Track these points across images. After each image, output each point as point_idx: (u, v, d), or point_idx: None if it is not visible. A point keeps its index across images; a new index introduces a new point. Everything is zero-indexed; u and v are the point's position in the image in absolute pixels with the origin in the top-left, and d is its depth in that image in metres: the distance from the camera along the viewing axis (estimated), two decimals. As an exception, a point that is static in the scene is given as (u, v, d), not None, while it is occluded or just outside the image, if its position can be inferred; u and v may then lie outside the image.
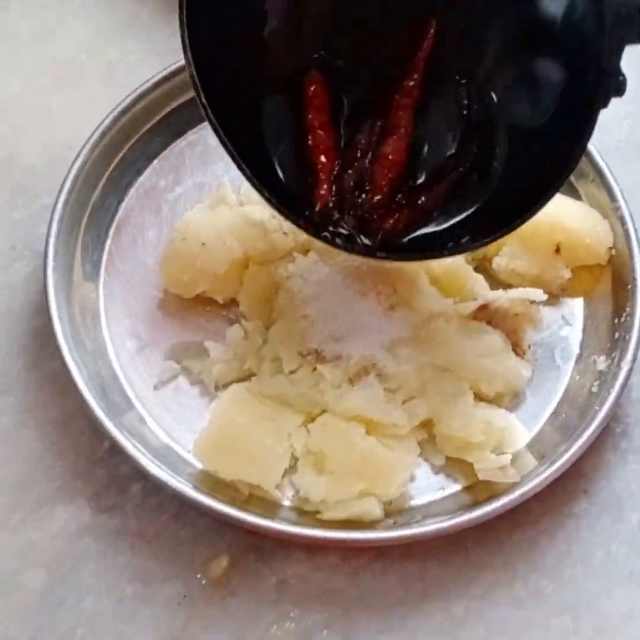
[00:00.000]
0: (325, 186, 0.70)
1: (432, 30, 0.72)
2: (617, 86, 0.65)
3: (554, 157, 0.68)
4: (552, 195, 0.67)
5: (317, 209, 0.69)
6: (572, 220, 0.81)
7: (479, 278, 0.81)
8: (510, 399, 0.78)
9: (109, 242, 0.84)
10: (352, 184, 0.70)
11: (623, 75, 0.64)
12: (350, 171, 0.70)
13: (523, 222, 0.67)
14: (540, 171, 0.68)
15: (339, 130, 0.72)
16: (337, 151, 0.71)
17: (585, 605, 0.74)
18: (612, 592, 0.74)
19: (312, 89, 0.71)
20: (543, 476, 0.72)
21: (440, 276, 0.80)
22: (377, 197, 0.70)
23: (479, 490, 0.75)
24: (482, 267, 0.82)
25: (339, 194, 0.70)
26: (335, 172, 0.71)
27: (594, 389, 0.77)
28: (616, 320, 0.79)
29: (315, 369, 0.75)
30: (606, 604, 0.74)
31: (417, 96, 0.72)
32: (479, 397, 0.77)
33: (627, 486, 0.77)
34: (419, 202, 0.70)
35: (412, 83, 0.72)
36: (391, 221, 0.69)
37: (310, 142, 0.71)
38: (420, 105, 0.72)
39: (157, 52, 0.96)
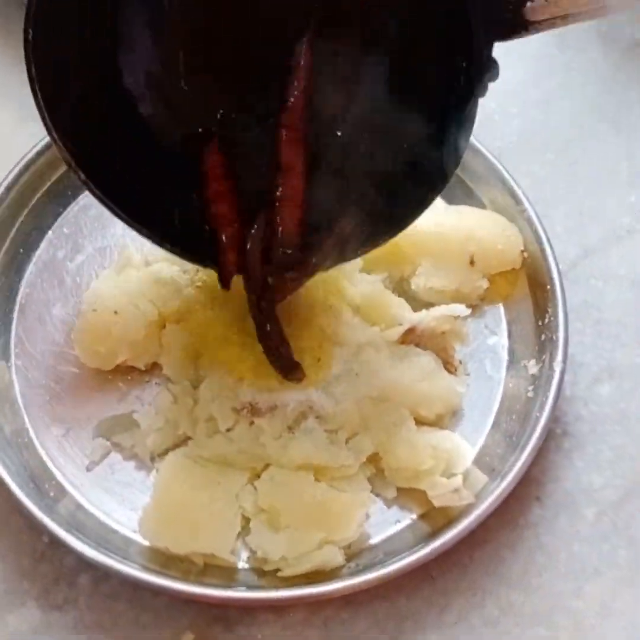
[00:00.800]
0: (230, 257, 0.68)
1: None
2: (492, 73, 0.65)
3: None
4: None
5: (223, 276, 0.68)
6: (481, 229, 0.82)
7: (400, 301, 0.80)
8: (450, 418, 0.78)
9: (14, 324, 0.81)
10: (260, 249, 0.69)
11: (496, 61, 0.65)
12: (255, 228, 0.69)
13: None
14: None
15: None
16: (239, 215, 0.70)
17: (558, 610, 0.74)
18: (582, 591, 0.74)
19: (211, 159, 0.69)
20: (497, 492, 0.72)
21: (362, 305, 0.79)
22: (289, 250, 0.68)
23: (434, 516, 0.74)
24: (401, 290, 0.82)
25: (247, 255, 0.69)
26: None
27: (530, 394, 0.77)
28: (540, 322, 0.80)
29: (252, 422, 0.74)
30: (579, 604, 0.74)
31: (303, 130, 0.70)
32: (420, 422, 0.76)
33: (577, 484, 0.78)
34: (313, 261, 0.70)
35: (296, 116, 0.70)
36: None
37: (213, 211, 0.69)
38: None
39: (33, 118, 0.92)
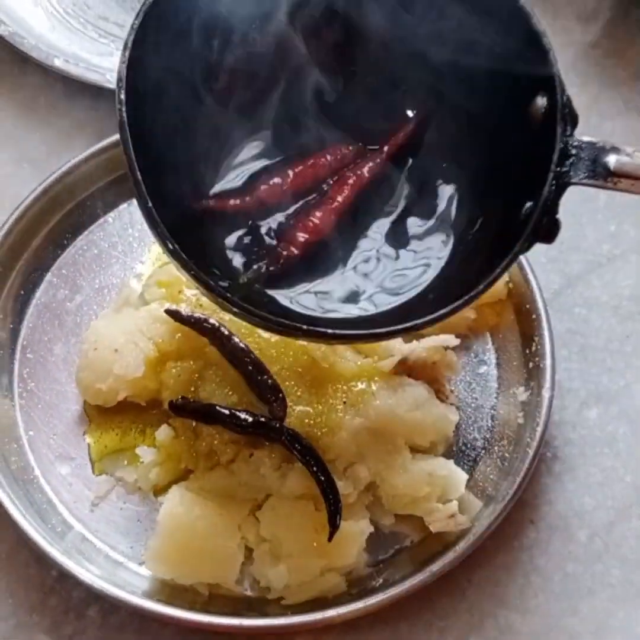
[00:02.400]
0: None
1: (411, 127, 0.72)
2: (549, 231, 0.62)
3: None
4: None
5: None
6: (467, 262, 0.84)
7: (392, 333, 0.82)
8: (444, 446, 0.80)
9: (17, 364, 0.82)
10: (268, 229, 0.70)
11: (558, 220, 0.62)
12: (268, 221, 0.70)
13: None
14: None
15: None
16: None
17: (555, 629, 0.76)
18: (577, 610, 0.77)
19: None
20: (492, 516, 0.74)
21: (355, 338, 0.81)
22: (286, 252, 0.69)
23: (431, 541, 0.76)
24: (392, 323, 0.84)
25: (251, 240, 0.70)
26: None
27: (520, 420, 0.79)
28: (527, 351, 0.82)
29: (252, 454, 0.75)
30: (574, 623, 0.76)
31: (366, 179, 0.71)
32: (415, 450, 0.78)
33: (569, 507, 0.80)
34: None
35: (367, 166, 0.72)
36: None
37: None
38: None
39: (28, 160, 0.95)
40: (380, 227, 0.71)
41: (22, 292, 0.85)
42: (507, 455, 0.79)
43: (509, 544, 0.78)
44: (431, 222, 0.71)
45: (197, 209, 0.68)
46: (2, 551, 0.76)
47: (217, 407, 0.75)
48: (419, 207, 0.71)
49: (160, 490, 0.77)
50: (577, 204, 0.94)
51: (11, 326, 0.83)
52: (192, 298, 0.82)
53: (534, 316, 0.82)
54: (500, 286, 0.84)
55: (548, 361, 0.80)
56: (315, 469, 0.72)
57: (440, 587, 0.75)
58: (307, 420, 0.76)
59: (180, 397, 0.76)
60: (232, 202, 0.69)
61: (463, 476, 0.77)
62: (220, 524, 0.73)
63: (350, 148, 0.72)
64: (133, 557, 0.75)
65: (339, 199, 0.70)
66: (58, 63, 0.95)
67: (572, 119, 0.61)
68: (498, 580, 0.77)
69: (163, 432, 0.78)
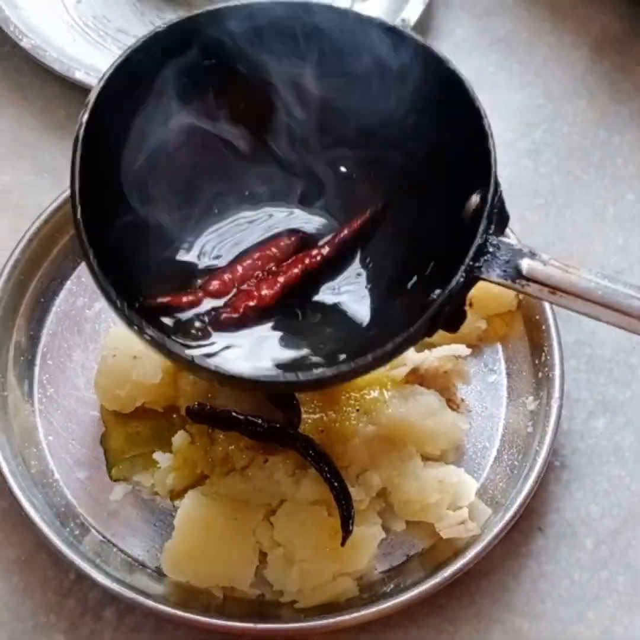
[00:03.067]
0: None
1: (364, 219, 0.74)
2: (453, 320, 0.64)
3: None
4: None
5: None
6: (478, 274, 0.86)
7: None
8: (454, 453, 0.81)
9: (37, 370, 0.84)
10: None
11: (464, 311, 0.65)
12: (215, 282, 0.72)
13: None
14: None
15: None
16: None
17: (562, 636, 0.77)
18: (584, 616, 0.78)
19: None
20: (501, 523, 0.75)
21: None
22: (226, 315, 0.70)
23: (441, 547, 0.77)
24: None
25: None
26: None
27: (530, 429, 0.81)
28: (536, 361, 0.84)
29: (266, 460, 0.77)
30: (581, 629, 0.78)
31: (317, 265, 0.73)
32: (426, 457, 0.79)
33: (576, 515, 0.81)
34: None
35: (320, 253, 0.73)
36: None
37: None
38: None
39: (48, 171, 0.97)
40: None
41: (42, 300, 0.87)
42: (516, 463, 0.80)
43: (517, 550, 0.80)
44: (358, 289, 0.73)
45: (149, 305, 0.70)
46: (21, 554, 0.78)
47: (233, 414, 0.76)
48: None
49: (176, 495, 0.79)
50: (586, 218, 0.96)
51: (31, 333, 0.85)
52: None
53: (543, 327, 0.84)
54: (510, 297, 0.86)
55: (557, 371, 0.81)
56: (328, 475, 0.74)
57: (449, 592, 0.77)
58: (320, 428, 0.78)
59: (196, 403, 0.78)
60: (185, 299, 0.71)
61: (473, 484, 0.79)
62: (235, 528, 0.74)
63: (292, 238, 0.74)
64: (149, 560, 0.77)
65: (284, 276, 0.72)
66: (79, 75, 0.96)
67: (501, 220, 0.63)
68: (506, 587, 0.79)
69: (179, 438, 0.79)
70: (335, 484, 0.74)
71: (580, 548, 0.80)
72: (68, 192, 0.86)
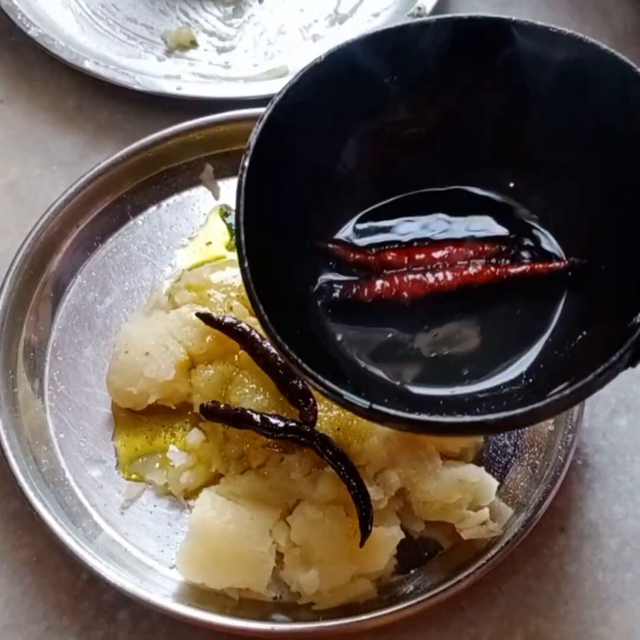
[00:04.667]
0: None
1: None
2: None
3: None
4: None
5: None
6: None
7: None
8: (475, 452, 0.79)
9: (47, 367, 0.83)
10: None
11: None
12: None
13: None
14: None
15: None
16: None
17: (586, 637, 0.76)
18: (608, 618, 0.76)
19: None
20: (523, 523, 0.74)
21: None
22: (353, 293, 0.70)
23: (462, 548, 0.75)
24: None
25: None
26: None
27: (551, 428, 0.79)
28: (557, 357, 0.82)
29: (282, 459, 0.75)
30: (605, 631, 0.76)
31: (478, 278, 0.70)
32: (445, 456, 0.78)
33: (599, 515, 0.80)
34: None
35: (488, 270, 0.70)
36: None
37: None
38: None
39: (58, 162, 0.96)
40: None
41: (52, 295, 0.85)
42: (537, 462, 0.79)
43: (540, 551, 0.78)
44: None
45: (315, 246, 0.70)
46: (32, 554, 0.76)
47: (248, 411, 0.75)
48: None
49: (190, 493, 0.77)
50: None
51: (41, 328, 0.83)
52: (223, 301, 0.82)
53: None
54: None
55: (580, 368, 0.79)
56: (346, 473, 0.72)
57: (470, 594, 0.75)
58: (337, 426, 0.76)
59: (211, 400, 0.76)
60: (353, 255, 0.70)
61: (494, 483, 0.77)
62: (251, 529, 0.73)
63: (489, 248, 0.71)
64: (163, 561, 0.75)
65: (440, 279, 0.69)
66: (88, 65, 0.95)
67: None
68: (528, 588, 0.77)
69: (194, 436, 0.78)
70: (353, 483, 0.72)
71: (604, 549, 0.79)
72: (77, 185, 0.87)
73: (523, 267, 0.70)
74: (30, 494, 0.74)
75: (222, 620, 0.71)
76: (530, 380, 0.66)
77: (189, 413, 0.80)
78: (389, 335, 0.69)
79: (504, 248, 0.71)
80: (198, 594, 0.73)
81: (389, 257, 0.70)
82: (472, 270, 0.70)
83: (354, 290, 0.69)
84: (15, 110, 0.98)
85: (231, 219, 0.90)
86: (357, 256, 0.71)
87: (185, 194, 0.92)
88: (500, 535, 0.74)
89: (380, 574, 0.74)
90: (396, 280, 0.69)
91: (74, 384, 0.82)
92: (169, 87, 0.94)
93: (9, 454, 0.75)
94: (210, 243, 0.89)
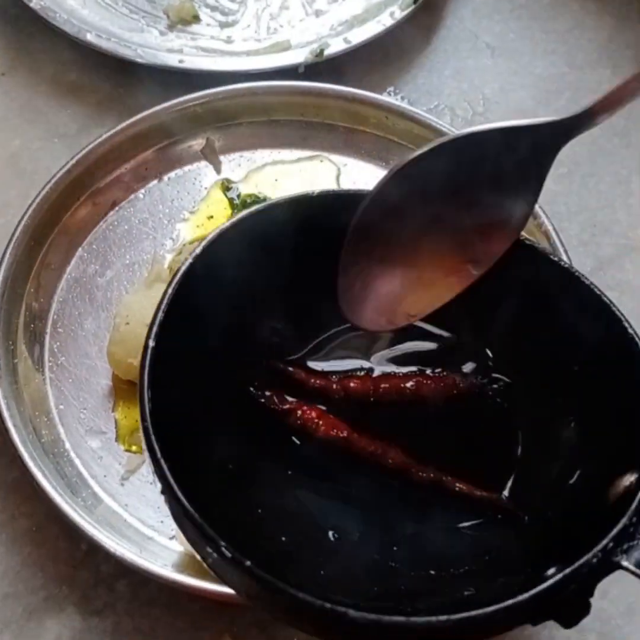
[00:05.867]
0: None
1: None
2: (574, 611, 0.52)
3: None
4: None
5: None
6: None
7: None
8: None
9: (47, 338, 0.82)
10: None
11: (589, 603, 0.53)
12: None
13: None
14: None
15: None
16: None
17: None
18: (607, 591, 0.74)
19: None
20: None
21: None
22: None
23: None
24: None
25: None
26: None
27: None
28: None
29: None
30: (604, 605, 0.74)
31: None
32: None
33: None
34: None
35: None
36: None
37: None
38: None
39: (59, 135, 0.95)
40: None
41: (53, 267, 0.85)
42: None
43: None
44: None
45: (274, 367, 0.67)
46: (32, 524, 0.76)
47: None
48: None
49: (190, 465, 0.77)
50: (610, 187, 0.94)
51: (42, 300, 0.83)
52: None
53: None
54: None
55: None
56: None
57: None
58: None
59: (212, 372, 0.76)
60: (314, 380, 0.66)
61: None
62: (251, 500, 0.73)
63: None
64: (163, 532, 0.75)
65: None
66: (90, 38, 0.94)
67: None
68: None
69: (194, 408, 0.78)
70: None
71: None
72: (78, 157, 0.87)
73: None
74: (30, 463, 0.73)
75: (221, 589, 0.70)
76: None
77: (190, 385, 0.80)
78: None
79: (474, 381, 0.67)
80: (197, 564, 0.72)
81: (352, 385, 0.66)
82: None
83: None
84: (16, 83, 0.97)
85: (232, 193, 0.90)
86: (317, 382, 0.66)
87: (187, 167, 0.91)
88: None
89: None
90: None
91: (74, 355, 0.82)
92: (171, 60, 0.94)
93: (9, 423, 0.75)
94: (211, 217, 0.89)
